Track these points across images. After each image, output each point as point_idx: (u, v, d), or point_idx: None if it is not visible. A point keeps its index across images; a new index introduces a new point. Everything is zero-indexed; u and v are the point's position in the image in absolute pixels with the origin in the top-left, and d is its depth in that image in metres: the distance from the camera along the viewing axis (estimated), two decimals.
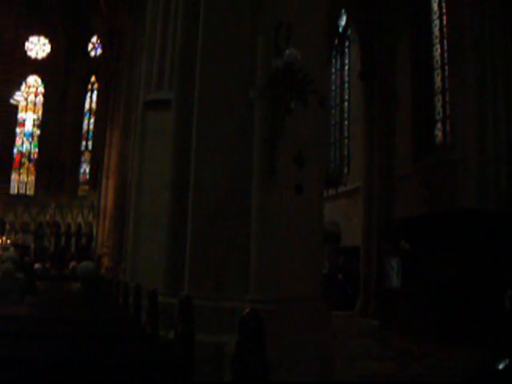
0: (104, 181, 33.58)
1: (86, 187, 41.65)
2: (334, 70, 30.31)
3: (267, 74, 6.27)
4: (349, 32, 28.78)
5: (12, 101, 41.36)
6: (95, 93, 43.75)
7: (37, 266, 19.07)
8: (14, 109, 43.52)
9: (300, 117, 6.21)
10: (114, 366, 3.37)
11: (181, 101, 7.39)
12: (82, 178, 42.86)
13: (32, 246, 39.45)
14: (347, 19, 28.46)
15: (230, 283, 6.31)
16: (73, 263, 19.85)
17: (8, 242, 34.89)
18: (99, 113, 41.08)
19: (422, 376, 10.15)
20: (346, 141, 28.15)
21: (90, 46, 43.96)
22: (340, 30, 29.75)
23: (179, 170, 7.06)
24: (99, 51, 42.71)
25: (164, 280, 6.99)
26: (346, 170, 27.12)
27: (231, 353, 5.67)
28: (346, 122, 28.56)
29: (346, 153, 28.04)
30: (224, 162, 6.47)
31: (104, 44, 39.72)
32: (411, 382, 9.65)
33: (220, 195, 6.41)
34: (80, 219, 40.68)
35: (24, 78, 44.77)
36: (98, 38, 42.36)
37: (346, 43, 29.64)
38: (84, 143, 43.67)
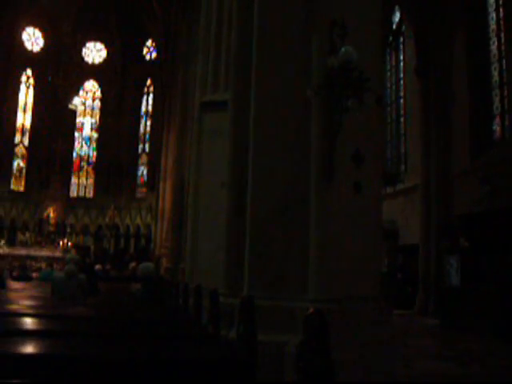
0: (161, 182, 33.89)
1: (144, 189, 42.07)
2: (388, 67, 29.99)
3: (322, 73, 6.25)
4: (403, 28, 28.47)
5: (70, 106, 42.07)
6: (151, 95, 44.15)
7: (97, 267, 19.38)
8: (73, 113, 44.27)
9: (357, 115, 6.17)
10: (177, 366, 3.40)
11: (237, 101, 7.42)
12: (139, 180, 43.28)
13: (92, 247, 40.05)
14: (401, 15, 28.16)
15: (289, 283, 6.30)
16: (132, 264, 20.09)
17: (69, 244, 35.48)
18: (155, 115, 41.47)
19: (482, 376, 9.98)
20: (403, 138, 27.83)
21: (145, 50, 44.38)
22: (394, 26, 29.45)
23: (237, 170, 7.09)
24: (154, 54, 43.11)
25: (223, 280, 7.02)
26: (403, 168, 26.82)
27: (291, 352, 5.69)
28: (402, 119, 28.23)
29: (402, 150, 27.73)
30: (282, 161, 6.47)
31: (159, 47, 40.08)
32: (471, 383, 9.49)
33: (278, 195, 6.41)
34: (138, 221, 41.14)
35: (82, 83, 45.48)
36: (153, 41, 42.75)
37: (401, 39, 29.31)
38: (141, 146, 44.11)
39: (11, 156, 42.63)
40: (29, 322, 5.13)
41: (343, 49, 5.99)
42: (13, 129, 42.99)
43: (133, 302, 8.67)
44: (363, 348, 6.02)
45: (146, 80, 44.21)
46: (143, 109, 44.58)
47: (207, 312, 5.76)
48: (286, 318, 6.07)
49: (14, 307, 6.83)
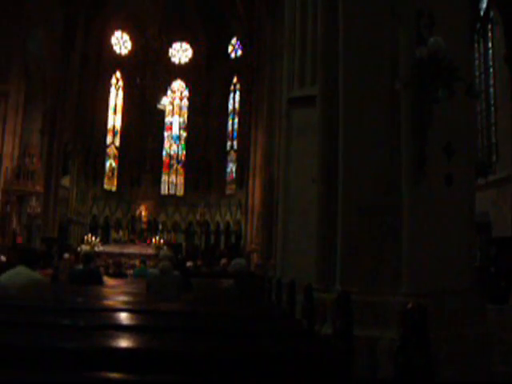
0: (250, 179, 34.09)
1: (233, 186, 42.36)
2: (476, 55, 29.27)
3: (410, 65, 6.18)
4: (491, 14, 27.71)
5: (159, 106, 42.81)
6: (238, 93, 44.45)
7: (189, 263, 19.62)
8: (162, 113, 45.04)
9: (447, 105, 6.06)
10: (272, 362, 3.42)
11: (325, 96, 7.40)
12: (228, 177, 43.62)
13: (183, 244, 40.65)
14: (488, 1, 27.43)
15: (382, 277, 6.25)
16: (223, 260, 20.24)
17: (161, 241, 36.13)
18: (243, 112, 41.75)
19: None
20: (493, 128, 27.10)
21: (230, 48, 44.66)
22: (481, 12, 28.70)
23: (327, 165, 7.07)
24: (239, 52, 43.39)
25: (315, 275, 7.02)
26: (494, 158, 26.14)
27: (384, 347, 5.65)
28: (492, 108, 27.50)
29: (493, 140, 27.01)
30: (371, 155, 6.42)
31: (244, 45, 40.36)
32: None
33: (369, 188, 6.37)
34: (228, 217, 41.50)
35: (169, 83, 46.18)
36: (238, 39, 43.04)
37: (489, 26, 28.54)
38: (229, 143, 44.45)
39: (103, 157, 43.76)
40: (124, 317, 5.25)
41: (432, 39, 5.90)
42: (104, 130, 44.15)
43: (225, 298, 8.75)
44: (459, 343, 5.92)
45: (233, 78, 44.51)
46: (230, 106, 44.90)
47: (300, 307, 5.77)
48: (379, 312, 6.02)
49: (109, 303, 7.00)
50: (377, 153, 6.41)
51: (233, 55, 44.58)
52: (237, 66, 42.62)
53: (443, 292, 6.12)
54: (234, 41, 44.13)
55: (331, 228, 6.72)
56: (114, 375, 2.82)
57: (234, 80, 44.45)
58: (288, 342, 4.14)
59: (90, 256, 12.45)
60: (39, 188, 32.18)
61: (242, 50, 41.91)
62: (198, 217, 40.61)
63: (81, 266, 12.17)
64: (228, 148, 44.32)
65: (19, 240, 30.93)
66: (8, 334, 3.83)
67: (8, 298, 6.17)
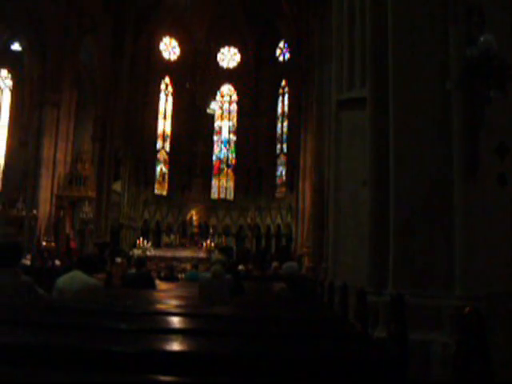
0: (301, 182, 34.02)
1: (283, 189, 42.32)
2: None
3: (461, 64, 6.10)
4: None
5: (208, 110, 43.08)
6: (286, 96, 44.42)
7: (240, 267, 19.67)
8: (211, 118, 45.32)
9: (500, 105, 5.98)
10: (325, 366, 3.41)
11: (375, 98, 7.35)
12: (278, 180, 43.60)
13: (234, 248, 40.76)
14: None
15: (435, 280, 6.19)
16: (274, 264, 20.26)
17: (212, 245, 36.31)
18: (292, 115, 41.71)
19: None
20: None
21: (278, 51, 44.67)
22: None
23: (378, 167, 7.03)
24: (287, 55, 43.39)
25: (367, 278, 6.98)
26: None
27: (437, 351, 5.58)
28: None
29: None
30: (424, 156, 6.36)
31: (291, 48, 40.33)
32: None
33: (422, 190, 6.32)
34: (279, 220, 41.47)
35: (218, 87, 46.45)
36: (285, 42, 43.04)
37: None
38: (279, 146, 44.42)
39: (154, 162, 44.20)
40: (176, 321, 5.29)
41: (482, 38, 5.82)
42: (154, 135, 44.59)
43: (277, 302, 8.76)
44: None
45: (281, 81, 44.49)
46: (279, 109, 44.89)
47: (353, 310, 5.75)
48: (432, 315, 5.97)
49: (162, 306, 7.07)
50: (428, 154, 6.35)
51: (281, 58, 44.59)
52: (285, 68, 42.63)
53: (498, 295, 6.02)
54: (281, 44, 44.14)
55: (383, 230, 6.67)
56: (166, 378, 2.85)
57: (283, 83, 44.42)
58: (342, 345, 4.12)
59: (143, 260, 12.60)
60: (91, 193, 32.68)
61: (290, 52, 41.89)
62: (248, 220, 40.69)
63: (134, 271, 12.32)
64: (278, 151, 44.29)
65: (73, 245, 31.43)
66: (64, 337, 3.89)
67: (64, 302, 6.28)
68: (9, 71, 37.81)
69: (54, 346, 3.52)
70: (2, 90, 37.86)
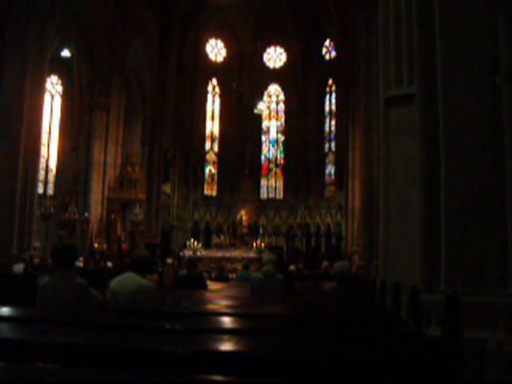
0: (350, 180, 33.86)
1: (333, 188, 42.15)
2: None
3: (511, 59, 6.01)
4: None
5: (256, 110, 43.16)
6: (333, 95, 44.26)
7: (291, 267, 19.66)
8: (258, 118, 45.39)
9: None
10: (378, 365, 3.40)
11: (423, 94, 7.29)
12: (327, 179, 43.45)
13: (284, 247, 40.74)
14: None
15: (489, 278, 6.11)
16: (325, 263, 20.18)
17: (262, 245, 36.32)
18: (339, 114, 41.55)
19: None
20: None
21: (324, 50, 44.50)
22: None
23: (428, 164, 6.96)
24: (333, 53, 43.21)
25: (419, 276, 6.92)
26: None
27: (492, 349, 5.51)
28: None
29: None
30: (474, 153, 6.29)
31: (337, 46, 40.13)
32: None
33: (473, 188, 6.24)
34: (328, 219, 41.36)
35: (265, 87, 46.51)
36: (331, 40, 42.85)
37: None
38: (327, 145, 44.28)
39: (203, 163, 44.48)
40: (227, 321, 5.32)
41: None
42: (203, 137, 44.89)
43: (329, 301, 8.74)
44: None
45: (328, 79, 44.33)
46: (326, 108, 44.73)
47: (405, 309, 5.70)
48: (485, 313, 5.89)
49: (213, 307, 7.11)
50: (479, 151, 6.27)
51: (327, 57, 44.42)
52: (331, 67, 42.41)
53: None
54: (327, 42, 43.97)
55: (434, 228, 6.61)
56: (218, 378, 2.88)
57: (330, 82, 44.25)
58: (396, 344, 4.10)
59: (194, 261, 12.69)
60: (142, 195, 33.02)
61: (336, 51, 41.68)
62: (298, 220, 40.61)
63: (185, 272, 12.42)
64: (326, 150, 44.14)
65: (124, 247, 31.79)
66: (118, 338, 3.95)
67: (117, 303, 6.37)
68: (59, 77, 38.48)
69: (107, 346, 3.58)
70: (53, 96, 38.51)
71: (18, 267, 17.37)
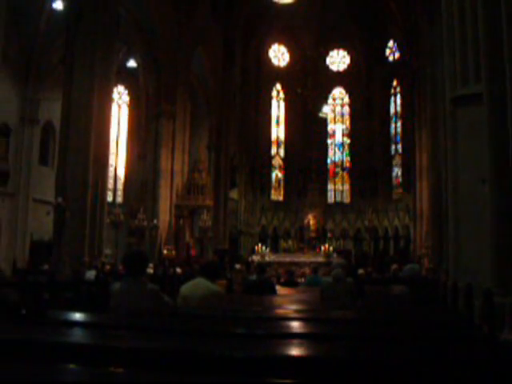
0: (417, 182, 33.51)
1: (400, 190, 41.72)
2: None
3: None
4: None
5: (321, 114, 43.04)
6: (398, 96, 43.81)
7: (360, 271, 19.53)
8: (324, 122, 45.27)
9: None
10: (452, 369, 3.35)
11: (491, 93, 7.18)
12: (394, 181, 43.04)
13: (352, 251, 40.50)
14: None
15: None
16: (394, 266, 19.98)
17: (330, 248, 36.15)
18: (405, 115, 41.11)
19: None
20: None
21: (388, 51, 44.10)
22: None
23: (498, 164, 6.85)
24: (397, 55, 42.79)
25: (492, 279, 6.80)
26: None
27: None
28: None
29: None
30: None
31: (401, 47, 39.78)
32: None
33: None
34: (396, 222, 40.92)
35: (329, 91, 46.38)
36: (395, 41, 42.48)
37: None
38: (393, 147, 43.85)
39: (269, 168, 44.63)
40: (297, 326, 5.32)
41: None
42: (269, 142, 45.07)
43: (400, 304, 8.65)
44: None
45: (392, 81, 43.94)
46: (392, 110, 44.32)
47: (478, 312, 5.61)
48: None
49: (282, 311, 7.11)
50: None
51: (391, 58, 44.00)
52: (395, 68, 42.08)
53: None
54: (390, 44, 43.58)
55: (507, 230, 6.49)
56: (287, 381, 2.89)
57: (394, 83, 43.85)
58: (469, 348, 4.04)
59: (263, 266, 12.73)
60: (209, 202, 33.32)
61: (400, 52, 41.30)
62: (365, 223, 40.33)
63: (254, 277, 12.47)
64: (392, 152, 43.72)
65: (193, 253, 32.11)
66: (189, 342, 4.00)
67: (188, 308, 6.45)
68: (125, 87, 39.13)
69: (179, 351, 3.63)
70: (120, 106, 39.20)
71: (90, 274, 17.69)
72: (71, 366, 2.99)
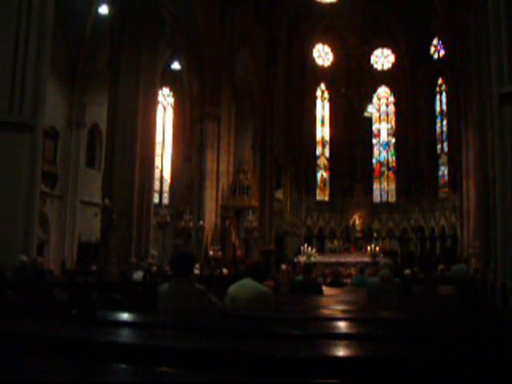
0: (464, 181, 33.12)
1: (446, 189, 41.20)
2: None
3: None
4: None
5: (365, 114, 42.83)
6: (444, 94, 43.33)
7: (407, 271, 19.33)
8: (368, 121, 45.04)
9: None
10: (501, 371, 3.32)
11: None
12: (441, 180, 42.55)
13: (399, 251, 40.20)
14: None
15: None
16: (441, 266, 19.77)
17: (376, 249, 35.92)
18: (451, 113, 40.60)
19: None
20: None
21: (432, 49, 43.61)
22: None
23: None
24: (442, 52, 42.31)
25: None
26: None
27: None
28: None
29: None
30: None
31: (446, 44, 39.32)
32: None
33: None
34: (443, 222, 40.45)
35: (374, 90, 46.09)
36: (439, 39, 42.01)
37: None
38: (439, 146, 43.35)
39: (314, 168, 44.58)
40: (344, 326, 5.32)
41: None
42: (313, 142, 45.02)
43: (448, 304, 8.58)
44: None
45: (437, 79, 43.47)
46: (437, 108, 43.86)
47: None
48: None
49: (329, 312, 7.12)
50: None
51: (435, 56, 43.52)
52: (440, 66, 41.60)
53: None
54: (435, 41, 43.09)
55: None
56: (334, 381, 2.90)
57: (439, 81, 43.38)
58: None
59: (310, 267, 12.73)
60: (255, 202, 33.42)
61: (445, 49, 40.82)
62: (411, 223, 39.99)
63: (300, 277, 12.48)
64: (438, 151, 43.22)
65: (239, 253, 32.24)
66: (237, 343, 4.04)
67: (236, 309, 6.49)
68: (170, 89, 39.44)
69: (227, 351, 3.67)
70: (165, 108, 39.53)
71: (138, 275, 17.88)
72: (121, 365, 3.05)
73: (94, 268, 21.15)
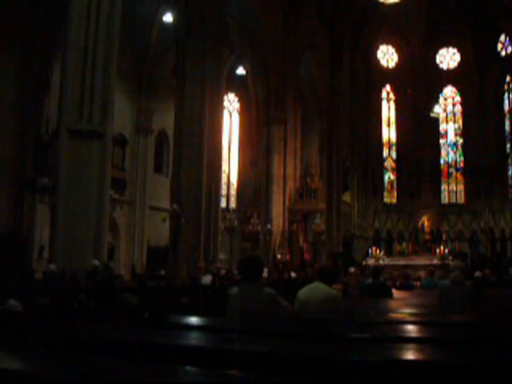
0: None
1: None
2: None
3: None
4: None
5: (432, 114, 42.30)
6: None
7: (477, 273, 19.02)
8: (435, 121, 44.45)
9: None
10: None
11: None
12: (510, 180, 41.69)
13: (468, 253, 39.54)
14: None
15: None
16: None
17: (446, 251, 35.36)
18: None
19: None
20: None
21: (499, 46, 42.77)
22: None
23: None
24: (510, 49, 41.44)
25: None
26: None
27: None
28: None
29: None
30: None
31: None
32: None
33: None
34: None
35: (440, 90, 45.45)
36: (506, 35, 41.16)
37: None
38: (508, 145, 42.47)
39: (381, 170, 44.24)
40: (414, 330, 5.27)
41: None
42: (380, 144, 44.71)
43: None
44: None
45: (505, 76, 42.57)
46: (506, 107, 42.95)
47: None
48: None
49: (398, 315, 7.06)
50: None
51: (503, 53, 42.62)
52: (508, 63, 40.76)
53: None
54: (502, 38, 42.20)
55: None
56: None
57: (507, 79, 42.46)
58: None
59: (379, 270, 12.66)
60: (322, 206, 33.36)
61: None
62: (481, 224, 39.28)
63: (370, 280, 12.41)
64: (508, 150, 42.29)
65: (307, 257, 32.21)
66: (308, 347, 4.04)
67: (306, 313, 6.50)
68: (236, 94, 39.75)
69: (298, 355, 3.68)
70: (231, 113, 39.85)
71: (206, 279, 18.07)
72: (192, 368, 3.09)
73: (163, 272, 21.46)
